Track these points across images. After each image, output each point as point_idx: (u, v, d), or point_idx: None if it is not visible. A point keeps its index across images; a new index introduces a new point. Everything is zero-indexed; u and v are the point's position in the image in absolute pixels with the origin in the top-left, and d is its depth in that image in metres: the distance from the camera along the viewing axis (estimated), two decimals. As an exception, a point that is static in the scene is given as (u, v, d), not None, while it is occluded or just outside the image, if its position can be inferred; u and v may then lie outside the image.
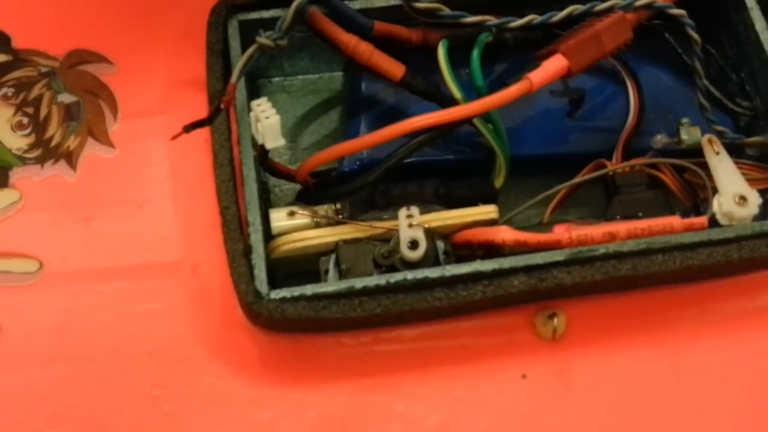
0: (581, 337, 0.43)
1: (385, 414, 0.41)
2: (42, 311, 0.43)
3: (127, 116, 0.48)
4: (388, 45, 0.44)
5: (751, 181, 0.43)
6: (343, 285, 0.41)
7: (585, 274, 0.41)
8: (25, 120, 0.48)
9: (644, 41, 0.45)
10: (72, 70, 0.49)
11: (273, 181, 0.47)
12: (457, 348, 0.42)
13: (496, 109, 0.43)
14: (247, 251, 0.41)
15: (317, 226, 0.43)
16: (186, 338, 0.42)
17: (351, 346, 0.42)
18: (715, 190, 0.43)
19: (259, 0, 0.47)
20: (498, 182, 0.45)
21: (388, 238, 0.42)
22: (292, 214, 0.43)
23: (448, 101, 0.44)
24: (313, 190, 0.44)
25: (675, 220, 0.42)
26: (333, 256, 0.42)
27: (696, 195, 0.44)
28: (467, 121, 0.43)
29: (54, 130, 0.48)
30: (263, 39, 0.43)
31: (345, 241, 0.42)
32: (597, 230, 0.42)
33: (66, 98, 0.48)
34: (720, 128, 0.45)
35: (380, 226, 0.42)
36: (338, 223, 0.43)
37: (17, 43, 0.50)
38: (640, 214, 0.43)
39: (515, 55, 0.46)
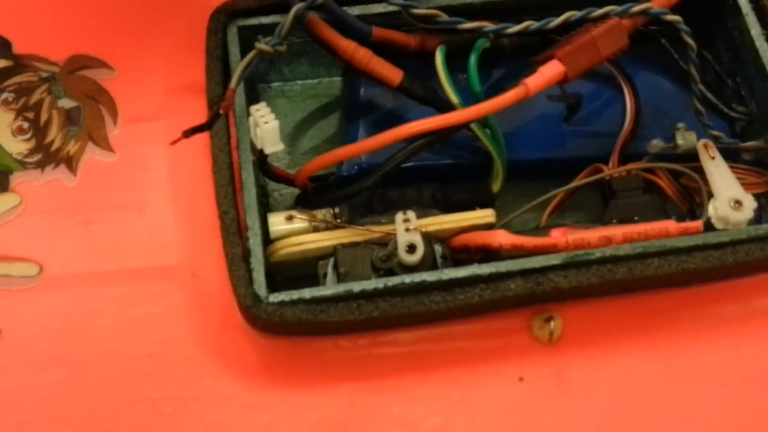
0: (578, 340, 0.43)
1: (383, 417, 0.41)
2: (42, 315, 0.43)
3: (127, 121, 0.48)
4: (386, 51, 0.45)
5: (746, 186, 0.43)
6: (341, 288, 0.41)
7: (581, 278, 0.41)
8: (26, 125, 0.48)
9: (640, 47, 0.45)
10: (72, 75, 0.49)
11: (272, 185, 0.47)
12: (455, 351, 0.43)
13: (493, 114, 0.43)
14: (246, 255, 0.42)
15: (316, 230, 0.43)
16: (185, 341, 0.42)
17: (349, 349, 0.42)
18: (710, 195, 0.43)
19: (259, 6, 0.47)
20: (495, 186, 0.45)
21: (386, 241, 0.42)
22: (290, 218, 0.43)
23: (446, 106, 0.44)
24: (312, 195, 0.45)
25: (671, 224, 0.42)
26: (331, 260, 0.42)
27: (692, 199, 0.45)
28: (465, 125, 0.43)
29: (54, 134, 0.48)
30: (262, 44, 0.43)
31: (343, 245, 0.42)
32: (593, 234, 0.42)
33: (66, 103, 0.48)
34: (716, 133, 0.46)
35: (378, 230, 0.42)
36: (336, 227, 0.43)
37: (18, 48, 0.50)
38: (636, 218, 0.43)
39: (512, 60, 0.47)
